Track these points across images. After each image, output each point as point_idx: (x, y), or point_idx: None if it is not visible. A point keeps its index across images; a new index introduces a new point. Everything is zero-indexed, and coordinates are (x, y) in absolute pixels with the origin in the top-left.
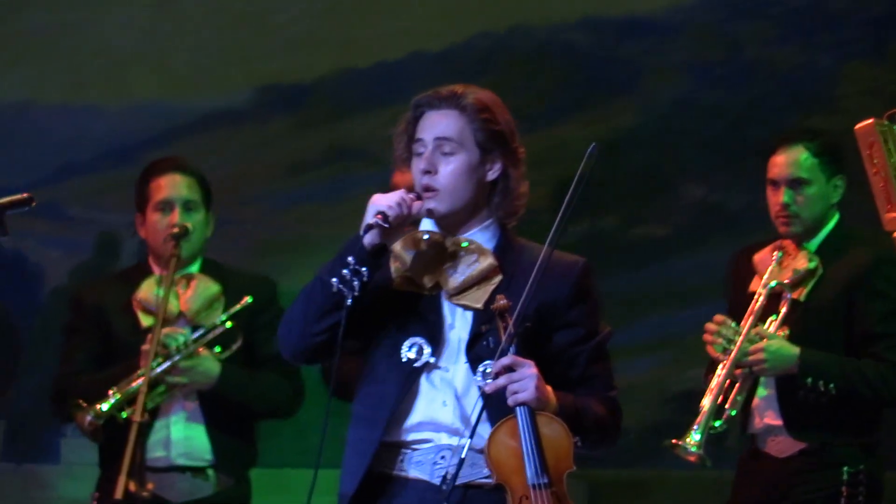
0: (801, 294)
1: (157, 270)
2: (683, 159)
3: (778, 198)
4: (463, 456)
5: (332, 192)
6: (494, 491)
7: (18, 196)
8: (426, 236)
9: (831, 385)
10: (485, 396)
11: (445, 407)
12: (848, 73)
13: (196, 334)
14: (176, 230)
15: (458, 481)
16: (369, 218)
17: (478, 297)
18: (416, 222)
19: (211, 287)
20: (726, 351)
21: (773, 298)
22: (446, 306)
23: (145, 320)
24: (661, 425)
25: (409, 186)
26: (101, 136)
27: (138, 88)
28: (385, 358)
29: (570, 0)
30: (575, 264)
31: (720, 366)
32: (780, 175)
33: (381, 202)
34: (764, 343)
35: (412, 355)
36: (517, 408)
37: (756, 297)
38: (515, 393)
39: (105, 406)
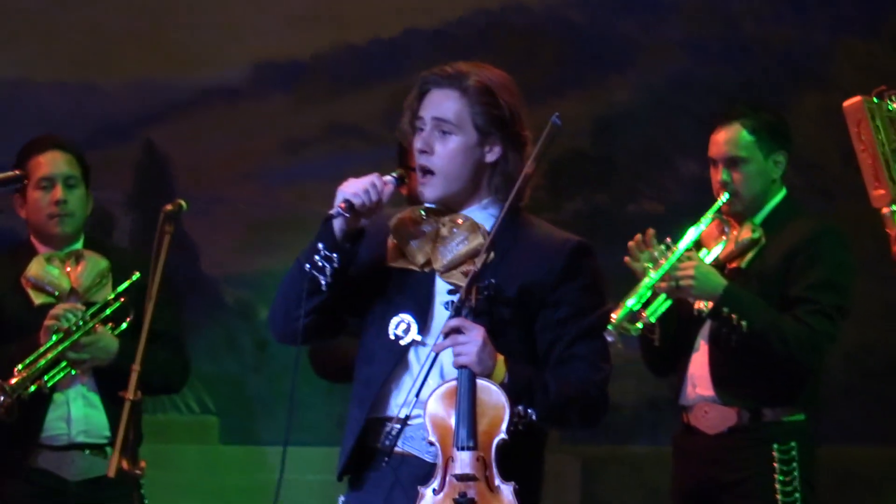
0: (743, 261)
1: (41, 249)
2: (679, 136)
3: (717, 176)
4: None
5: (329, 168)
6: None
7: (10, 174)
8: (423, 212)
9: (744, 322)
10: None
11: (431, 383)
12: (843, 50)
13: (91, 310)
14: (170, 207)
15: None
16: (334, 205)
17: (467, 273)
18: (416, 200)
19: (100, 262)
20: (650, 267)
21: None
22: (438, 283)
23: (38, 298)
24: (656, 401)
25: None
26: (97, 114)
27: (134, 66)
28: (375, 336)
29: None
30: (566, 242)
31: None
32: (718, 154)
33: (349, 189)
34: (696, 263)
35: (399, 333)
36: (458, 370)
37: (699, 227)
38: (459, 355)
39: (17, 382)
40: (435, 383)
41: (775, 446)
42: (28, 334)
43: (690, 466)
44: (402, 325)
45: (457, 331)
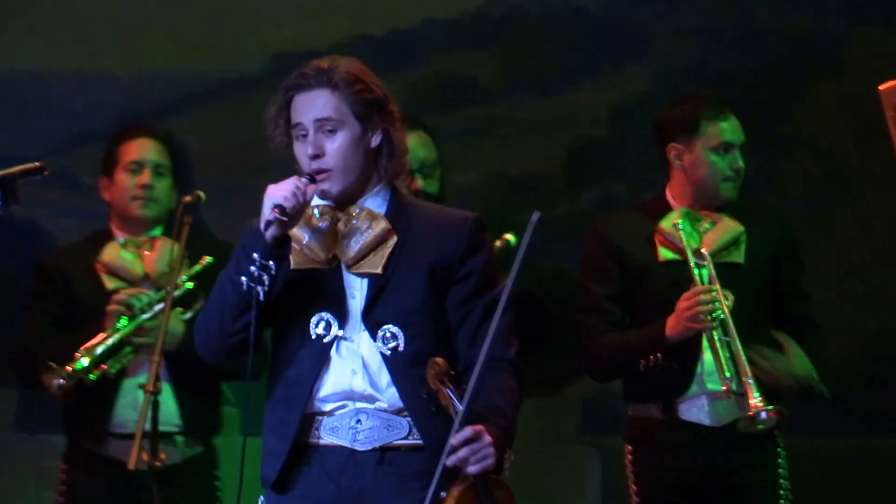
0: (740, 256)
1: (119, 234)
2: None
3: (734, 163)
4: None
5: None
6: (413, 451)
7: (30, 165)
8: (317, 212)
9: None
10: (387, 360)
11: (355, 375)
12: (857, 38)
13: (157, 295)
14: (189, 198)
15: (376, 444)
16: (266, 212)
17: (375, 263)
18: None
19: (175, 250)
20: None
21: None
22: (346, 277)
23: (110, 283)
24: None
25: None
26: (115, 105)
27: (151, 56)
28: (295, 337)
29: None
30: (466, 219)
31: (714, 334)
32: (736, 139)
33: (277, 194)
34: (789, 366)
35: (321, 331)
36: (474, 476)
37: (693, 265)
38: (480, 462)
39: (75, 367)
40: (361, 374)
41: (776, 432)
42: (98, 319)
43: (686, 460)
44: (321, 324)
45: (469, 441)
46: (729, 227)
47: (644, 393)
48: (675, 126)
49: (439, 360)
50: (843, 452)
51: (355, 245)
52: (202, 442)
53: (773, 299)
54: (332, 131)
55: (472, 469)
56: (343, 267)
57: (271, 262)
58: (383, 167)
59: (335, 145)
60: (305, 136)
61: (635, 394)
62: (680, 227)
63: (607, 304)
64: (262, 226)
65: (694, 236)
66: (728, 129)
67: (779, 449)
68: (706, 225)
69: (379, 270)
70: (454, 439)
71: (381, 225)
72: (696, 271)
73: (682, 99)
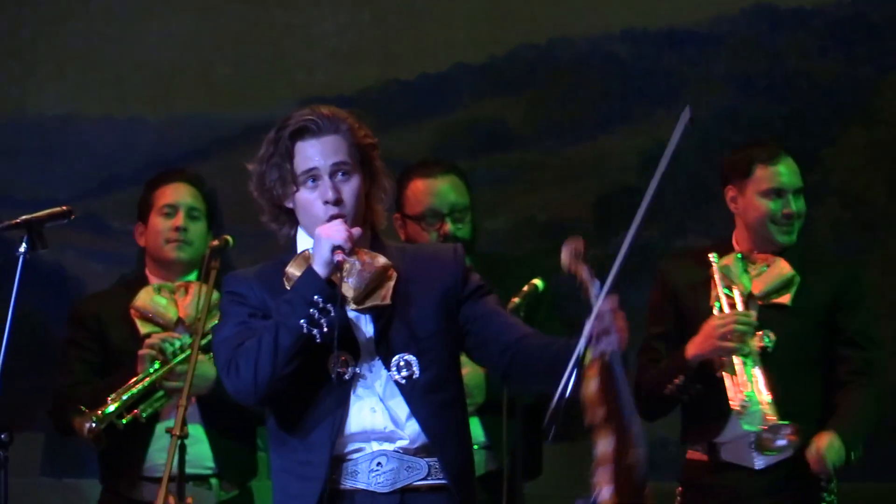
0: (788, 299)
1: (153, 280)
2: None
3: (786, 207)
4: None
5: None
6: (432, 491)
7: (57, 209)
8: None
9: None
10: (403, 389)
11: (374, 413)
12: (888, 85)
13: (189, 339)
14: (216, 243)
15: (397, 486)
16: (326, 254)
17: (383, 295)
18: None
19: (211, 294)
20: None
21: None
22: (354, 314)
23: (144, 328)
24: None
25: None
26: (144, 149)
27: (181, 101)
28: (312, 378)
29: (611, 12)
30: (455, 247)
31: (740, 361)
32: (790, 184)
33: (336, 237)
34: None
35: (339, 370)
36: (613, 354)
37: (731, 301)
38: (621, 337)
39: (105, 411)
40: (381, 411)
41: (822, 476)
42: (131, 364)
43: (729, 503)
44: (339, 363)
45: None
46: (781, 270)
47: (691, 434)
48: (730, 169)
49: (577, 238)
50: (874, 500)
51: (359, 282)
52: (238, 485)
53: (829, 345)
54: (347, 175)
55: (612, 339)
56: (349, 305)
57: (329, 305)
58: (371, 210)
59: (351, 189)
60: (315, 181)
61: (685, 435)
62: (720, 269)
63: (655, 343)
64: (324, 269)
65: (745, 279)
66: (780, 173)
67: (824, 494)
68: (761, 268)
69: (389, 301)
70: (604, 305)
71: (381, 261)
72: (716, 302)
73: (743, 143)
